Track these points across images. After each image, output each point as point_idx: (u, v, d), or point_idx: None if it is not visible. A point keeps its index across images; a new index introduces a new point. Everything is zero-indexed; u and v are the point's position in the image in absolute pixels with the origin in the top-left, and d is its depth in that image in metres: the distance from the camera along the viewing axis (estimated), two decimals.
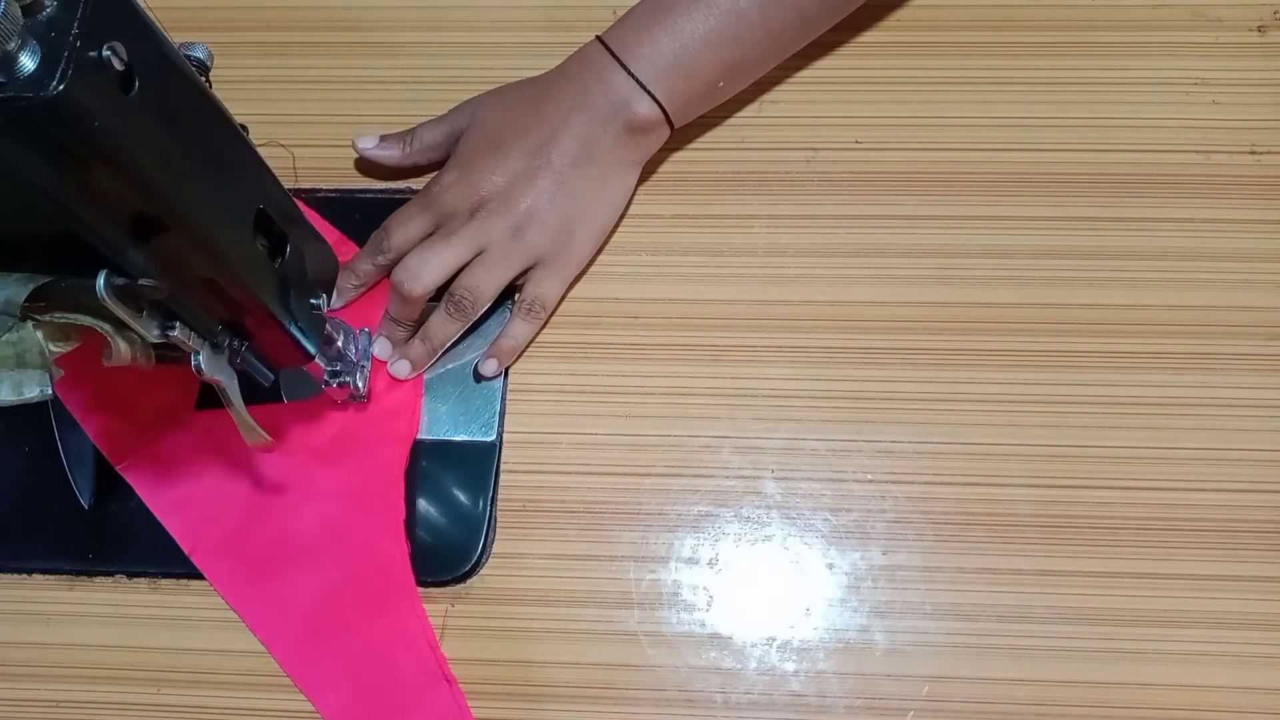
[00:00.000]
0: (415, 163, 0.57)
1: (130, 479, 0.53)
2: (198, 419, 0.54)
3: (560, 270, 0.54)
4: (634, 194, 0.56)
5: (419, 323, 0.53)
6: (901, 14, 0.60)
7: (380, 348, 0.54)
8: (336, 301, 0.54)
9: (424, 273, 0.51)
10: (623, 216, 0.56)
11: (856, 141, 0.58)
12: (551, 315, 0.55)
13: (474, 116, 0.55)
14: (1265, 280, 0.54)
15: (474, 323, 0.53)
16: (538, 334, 0.54)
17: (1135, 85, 0.58)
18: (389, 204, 0.57)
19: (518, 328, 0.53)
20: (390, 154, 0.57)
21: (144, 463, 0.53)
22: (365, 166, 0.58)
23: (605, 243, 0.56)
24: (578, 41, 0.54)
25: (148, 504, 0.53)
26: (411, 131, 0.57)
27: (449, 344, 0.53)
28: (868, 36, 0.56)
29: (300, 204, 0.57)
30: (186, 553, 0.52)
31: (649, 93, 0.52)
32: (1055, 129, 0.57)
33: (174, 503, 0.53)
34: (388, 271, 0.54)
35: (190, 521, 0.52)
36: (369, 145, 0.57)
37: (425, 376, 0.54)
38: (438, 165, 0.56)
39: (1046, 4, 0.60)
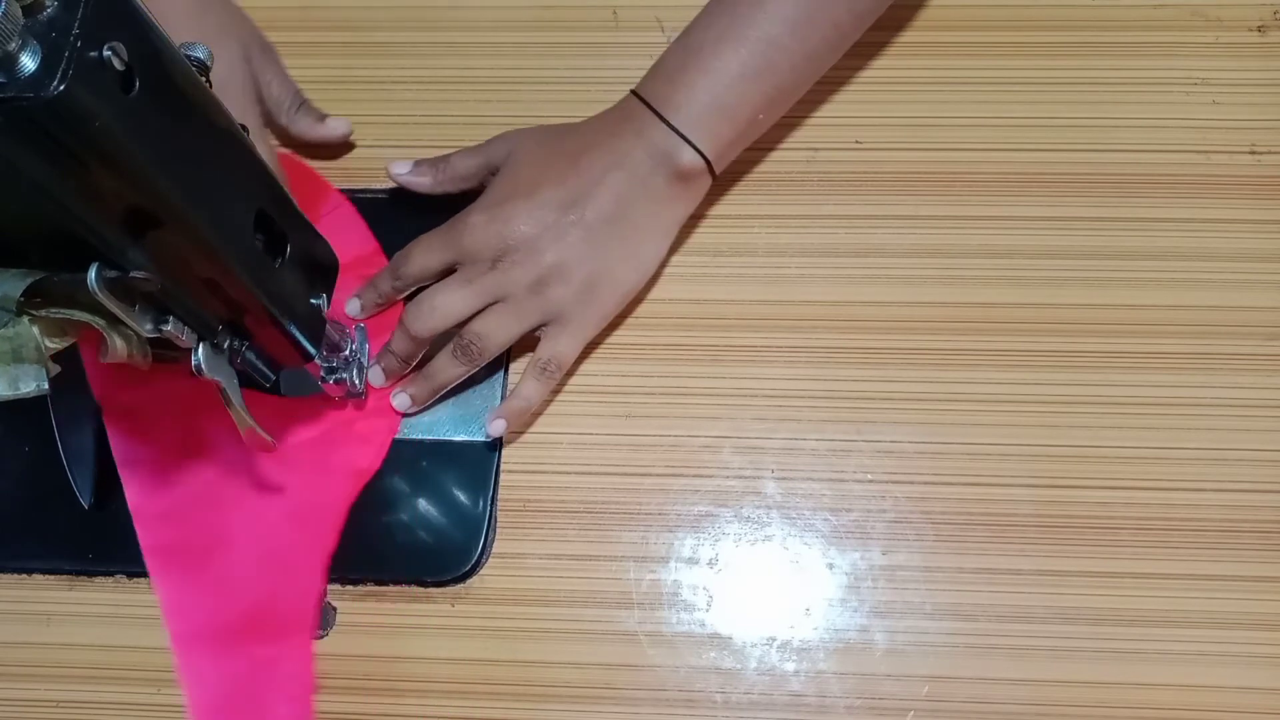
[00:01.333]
0: (446, 190, 0.55)
1: (107, 423, 0.53)
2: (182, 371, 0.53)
3: (579, 330, 0.52)
4: (666, 260, 0.54)
5: (419, 361, 0.53)
6: (902, 14, 0.60)
7: (374, 375, 0.53)
8: (361, 313, 0.54)
9: (434, 318, 0.51)
10: (653, 282, 0.54)
11: (856, 141, 0.58)
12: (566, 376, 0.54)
13: (510, 156, 0.53)
14: (1265, 280, 0.54)
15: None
16: (550, 394, 0.53)
17: (1135, 85, 0.58)
18: (389, 205, 0.57)
19: (530, 388, 0.52)
20: (421, 181, 0.55)
21: (121, 410, 0.53)
22: (366, 170, 0.58)
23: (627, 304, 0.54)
24: (577, 41, 0.54)
25: (114, 453, 0.52)
26: (445, 159, 0.55)
27: (452, 385, 0.53)
28: (868, 37, 0.56)
29: (352, 207, 0.57)
30: (130, 510, 0.51)
31: (690, 143, 0.51)
32: (1055, 129, 0.57)
33: (135, 457, 0.52)
34: (401, 296, 0.54)
35: (143, 480, 0.52)
36: (402, 171, 0.56)
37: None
38: (470, 194, 0.54)
39: (1046, 4, 0.60)
